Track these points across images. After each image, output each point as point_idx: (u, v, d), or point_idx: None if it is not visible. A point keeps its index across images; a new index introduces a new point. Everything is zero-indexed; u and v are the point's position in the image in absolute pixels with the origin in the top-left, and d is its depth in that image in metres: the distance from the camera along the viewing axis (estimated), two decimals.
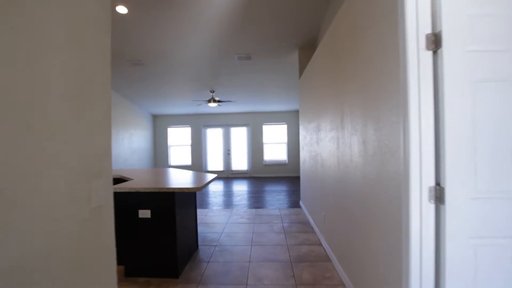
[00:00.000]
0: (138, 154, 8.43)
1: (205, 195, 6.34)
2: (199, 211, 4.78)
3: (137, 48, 4.73)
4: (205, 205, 5.31)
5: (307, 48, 4.86)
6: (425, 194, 1.24)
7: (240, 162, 9.69)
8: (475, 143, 1.18)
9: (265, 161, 9.55)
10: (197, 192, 6.56)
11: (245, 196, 6.15)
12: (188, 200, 2.88)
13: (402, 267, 1.31)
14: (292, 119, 9.49)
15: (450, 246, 1.19)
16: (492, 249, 1.19)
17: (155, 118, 9.83)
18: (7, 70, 0.70)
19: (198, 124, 9.70)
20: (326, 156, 2.95)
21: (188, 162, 9.76)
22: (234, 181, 8.58)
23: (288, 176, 9.31)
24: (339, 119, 2.39)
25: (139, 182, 2.61)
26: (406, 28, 1.26)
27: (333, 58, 2.55)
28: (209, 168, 9.75)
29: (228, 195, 6.33)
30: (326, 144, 2.92)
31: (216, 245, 3.21)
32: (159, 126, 9.82)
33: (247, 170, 9.63)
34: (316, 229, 3.52)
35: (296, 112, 9.48)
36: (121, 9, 3.56)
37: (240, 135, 9.72)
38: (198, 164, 9.67)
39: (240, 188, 7.19)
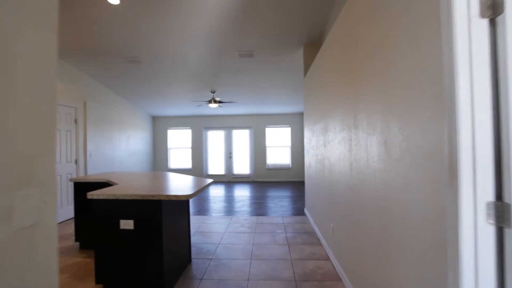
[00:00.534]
0: (136, 157, 8.16)
1: (204, 200, 6.02)
2: (196, 218, 4.46)
3: (131, 44, 4.47)
4: (203, 211, 4.99)
5: (313, 45, 4.56)
6: (481, 212, 0.91)
7: (242, 166, 9.37)
8: None
9: (268, 165, 9.22)
10: (196, 197, 6.24)
11: (247, 202, 5.81)
12: (180, 208, 2.56)
13: None
14: (296, 122, 9.16)
15: None
16: None
17: (154, 119, 9.58)
18: None
19: (199, 126, 9.42)
20: (335, 160, 2.62)
21: (189, 165, 9.46)
22: (236, 185, 8.25)
23: (292, 181, 8.96)
24: (352, 117, 2.06)
25: (124, 188, 2.31)
26: None
27: (344, 48, 2.24)
28: (210, 172, 9.44)
29: (228, 200, 6.00)
30: (335, 147, 2.59)
31: (211, 259, 2.88)
32: (158, 127, 9.56)
33: (249, 174, 9.30)
34: (323, 241, 3.17)
35: (301, 114, 9.16)
36: (113, 0, 3.29)
37: (242, 138, 9.42)
38: (198, 168, 9.36)
39: (242, 193, 6.87)
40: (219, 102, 6.69)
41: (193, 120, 9.43)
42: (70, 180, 3.11)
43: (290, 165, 9.15)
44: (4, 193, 0.70)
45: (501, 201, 0.89)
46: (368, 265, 1.77)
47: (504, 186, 0.89)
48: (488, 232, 0.90)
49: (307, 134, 4.40)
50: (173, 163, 9.57)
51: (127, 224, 2.09)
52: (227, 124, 9.35)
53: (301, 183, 8.35)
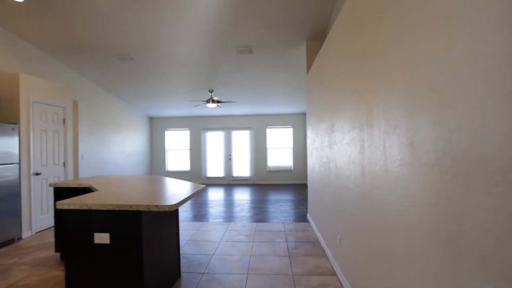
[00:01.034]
0: (132, 159, 7.88)
1: (201, 204, 5.72)
2: (190, 224, 4.16)
3: (123, 40, 4.19)
4: (199, 216, 4.69)
5: (316, 39, 4.27)
6: None
7: (242, 168, 9.07)
8: None
9: (269, 167, 8.91)
10: (193, 201, 5.95)
11: (246, 206, 5.51)
12: (167, 217, 2.27)
13: None
14: (298, 122, 8.86)
15: None
16: None
17: (151, 120, 9.31)
18: None
19: (198, 127, 9.14)
20: (342, 163, 2.32)
21: (187, 167, 9.17)
22: (235, 188, 7.95)
23: (293, 184, 8.65)
24: (365, 113, 1.76)
25: (102, 196, 2.02)
26: None
27: (356, 33, 1.94)
28: (209, 175, 9.15)
29: (227, 205, 5.70)
30: (343, 148, 2.29)
31: (203, 273, 2.58)
32: (156, 129, 9.29)
33: (249, 177, 8.99)
34: (328, 252, 2.87)
35: (303, 115, 8.86)
36: None
37: (242, 139, 9.12)
38: (197, 170, 9.07)
39: (241, 197, 6.56)
40: (218, 101, 6.41)
41: (192, 121, 9.15)
42: (50, 185, 2.83)
43: (292, 167, 8.84)
44: None
45: None
46: None
47: None
48: None
49: (310, 134, 4.09)
50: (170, 165, 9.28)
51: (102, 238, 1.79)
52: (227, 125, 9.07)
53: (303, 186, 8.04)
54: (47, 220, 3.95)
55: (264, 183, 8.82)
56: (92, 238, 1.81)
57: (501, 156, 0.74)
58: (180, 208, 5.31)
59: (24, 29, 3.85)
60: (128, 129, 7.65)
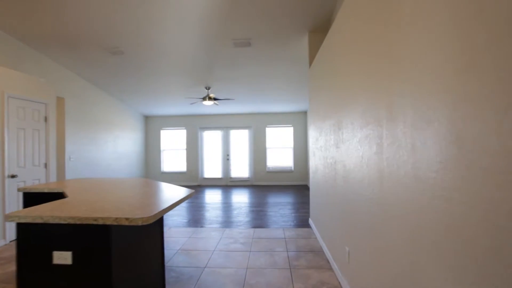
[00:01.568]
0: (126, 159, 7.55)
1: (196, 208, 5.40)
2: (182, 230, 3.84)
3: (111, 31, 3.86)
4: (193, 221, 4.37)
5: (320, 31, 3.95)
6: None
7: (241, 169, 8.74)
8: None
9: (269, 168, 8.58)
10: (188, 205, 5.62)
11: (244, 209, 5.19)
12: (147, 228, 1.94)
13: None
14: (299, 121, 8.54)
15: None
16: None
17: (147, 119, 8.98)
18: None
19: (195, 126, 8.81)
20: (352, 165, 2.00)
21: (183, 168, 8.84)
22: (233, 190, 7.62)
23: (294, 185, 8.33)
24: (384, 105, 1.44)
25: (68, 205, 1.69)
26: None
27: (370, 14, 1.62)
28: (206, 175, 8.82)
29: (223, 208, 5.37)
30: (354, 148, 1.97)
31: None
32: (151, 127, 8.96)
33: (248, 178, 8.67)
34: (335, 265, 2.54)
35: (304, 113, 8.54)
36: None
37: (240, 139, 8.80)
38: (194, 170, 8.74)
39: (239, 199, 6.24)
40: (215, 99, 6.08)
41: (188, 119, 8.82)
42: (18, 190, 2.50)
43: (292, 168, 8.52)
44: None
45: None
46: None
47: None
48: None
49: (313, 133, 3.77)
50: (166, 165, 8.95)
51: (62, 258, 1.47)
52: (225, 123, 8.74)
53: (304, 187, 7.71)
54: None
55: (263, 184, 8.50)
56: (50, 257, 1.48)
57: None
58: (173, 212, 4.98)
59: None
60: (121, 128, 7.32)
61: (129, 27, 3.74)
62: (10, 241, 3.40)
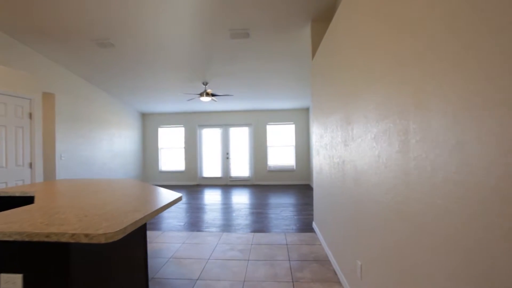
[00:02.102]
0: (121, 158, 7.29)
1: (193, 209, 5.12)
2: (175, 235, 3.56)
3: (99, 22, 3.57)
4: (188, 224, 4.09)
5: (323, 20, 3.65)
6: None
7: (241, 168, 8.46)
8: None
9: (269, 167, 8.29)
10: (184, 206, 5.35)
11: (243, 211, 4.91)
12: (121, 243, 1.66)
13: None
14: (301, 118, 8.23)
15: None
16: None
17: (144, 116, 8.71)
18: None
19: (193, 124, 8.53)
20: (366, 166, 1.70)
21: (182, 167, 8.58)
22: (233, 189, 7.34)
23: (296, 185, 8.04)
24: (408, 93, 1.14)
25: (25, 213, 1.42)
26: None
27: None
28: (205, 175, 8.55)
29: (222, 210, 5.10)
30: (367, 145, 1.67)
31: None
32: (148, 125, 8.69)
33: (248, 177, 8.38)
34: (343, 279, 2.25)
35: (306, 110, 8.23)
36: None
37: (240, 137, 8.51)
38: (192, 170, 8.47)
39: (238, 200, 5.96)
40: (212, 95, 5.79)
41: (187, 117, 8.55)
42: None
43: (294, 167, 8.22)
44: None
45: None
46: None
47: None
48: None
49: (317, 130, 3.47)
50: (164, 164, 8.69)
51: (10, 282, 1.19)
52: (224, 121, 8.46)
53: (307, 187, 7.42)
54: None
55: (264, 184, 8.22)
56: None
57: None
58: (169, 215, 4.71)
59: None
60: (117, 126, 7.06)
61: (120, 17, 3.46)
62: None
